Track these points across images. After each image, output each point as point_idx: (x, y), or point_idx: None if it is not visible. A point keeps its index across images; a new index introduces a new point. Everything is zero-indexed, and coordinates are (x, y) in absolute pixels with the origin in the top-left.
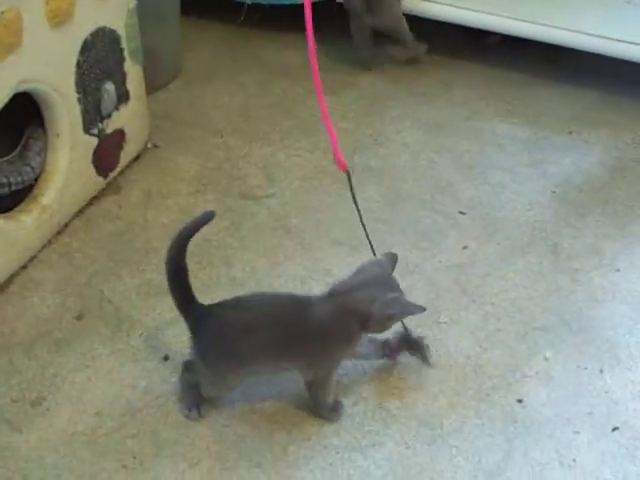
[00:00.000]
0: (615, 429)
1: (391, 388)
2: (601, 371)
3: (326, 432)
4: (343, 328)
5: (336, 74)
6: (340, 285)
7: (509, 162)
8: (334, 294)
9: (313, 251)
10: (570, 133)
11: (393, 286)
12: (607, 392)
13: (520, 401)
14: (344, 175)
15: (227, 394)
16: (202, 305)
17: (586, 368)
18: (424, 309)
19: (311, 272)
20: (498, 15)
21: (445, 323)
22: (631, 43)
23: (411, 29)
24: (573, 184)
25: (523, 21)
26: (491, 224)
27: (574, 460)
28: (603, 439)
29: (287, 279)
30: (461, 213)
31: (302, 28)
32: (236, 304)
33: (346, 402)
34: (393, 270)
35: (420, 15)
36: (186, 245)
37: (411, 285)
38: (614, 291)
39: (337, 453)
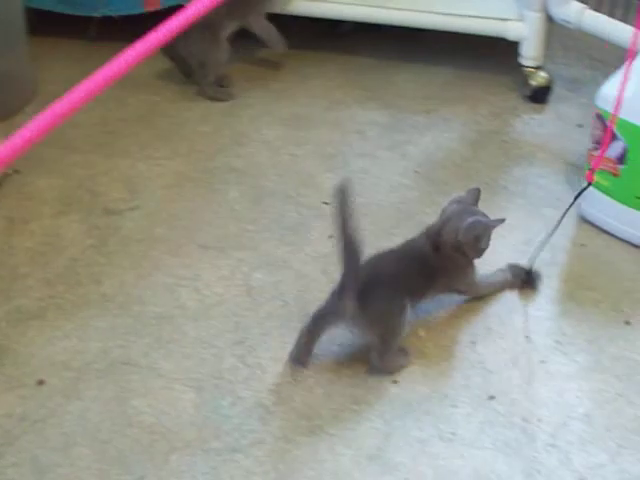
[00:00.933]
0: (491, 398)
1: (267, 385)
2: (473, 343)
3: (206, 436)
4: (452, 263)
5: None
6: (430, 228)
7: (370, 148)
8: (430, 235)
9: (181, 258)
10: (428, 112)
11: (472, 212)
12: (481, 363)
13: (396, 382)
14: (205, 179)
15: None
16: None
17: (459, 342)
18: (503, 220)
19: (180, 279)
20: (348, 4)
21: None
22: (477, 17)
23: None
24: (435, 162)
25: (372, 7)
26: (356, 210)
27: (453, 433)
28: (480, 409)
29: (156, 290)
30: (325, 203)
31: None
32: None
33: (223, 404)
34: (477, 202)
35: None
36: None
37: (280, 280)
38: (481, 265)
39: (218, 456)
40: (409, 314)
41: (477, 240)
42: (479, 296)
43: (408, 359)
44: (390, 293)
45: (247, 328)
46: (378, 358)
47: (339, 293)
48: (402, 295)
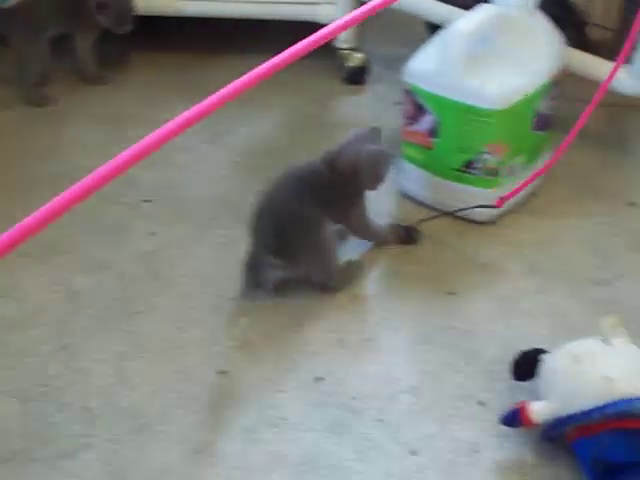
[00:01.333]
0: (318, 380)
1: (93, 388)
2: (300, 325)
3: (33, 446)
4: (345, 191)
5: None
6: (328, 151)
7: (190, 142)
8: (326, 158)
9: None
10: (246, 101)
11: (374, 141)
12: (306, 345)
13: (222, 372)
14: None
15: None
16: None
17: (283, 327)
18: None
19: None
20: None
21: (140, 312)
22: (287, 3)
23: None
24: (255, 150)
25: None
26: (177, 206)
27: (282, 418)
28: (308, 392)
29: None
30: (146, 201)
31: None
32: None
33: (49, 411)
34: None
35: None
36: None
37: (101, 282)
38: None
39: (45, 464)
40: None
41: (376, 167)
42: (367, 239)
43: (360, 268)
44: (301, 220)
45: (71, 333)
46: (325, 285)
47: (254, 244)
48: (314, 215)
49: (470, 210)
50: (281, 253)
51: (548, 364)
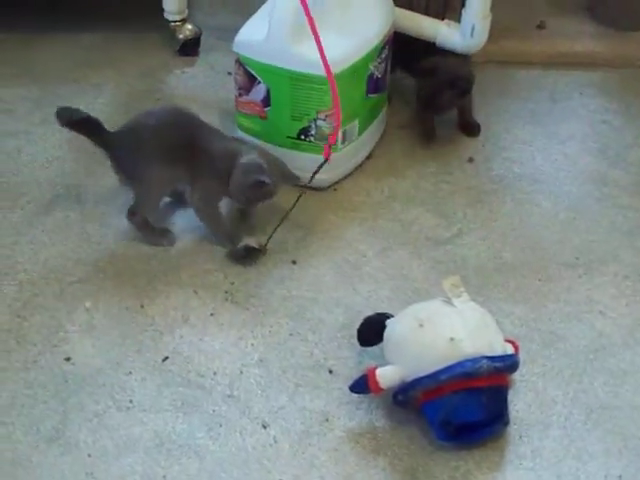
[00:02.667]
0: (165, 359)
1: None
2: (142, 306)
3: None
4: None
5: None
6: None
7: (22, 125)
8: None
9: None
10: (77, 80)
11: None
12: (151, 325)
13: (68, 359)
14: None
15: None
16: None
17: (127, 308)
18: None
19: None
20: None
21: None
22: None
23: None
24: None
25: None
26: (12, 191)
27: (131, 401)
28: (156, 372)
29: None
30: None
31: None
32: (134, 120)
33: None
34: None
35: None
36: None
37: None
38: None
39: None
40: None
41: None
42: (203, 222)
43: (169, 240)
44: (144, 159)
45: None
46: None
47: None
48: (156, 163)
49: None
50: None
51: (393, 329)
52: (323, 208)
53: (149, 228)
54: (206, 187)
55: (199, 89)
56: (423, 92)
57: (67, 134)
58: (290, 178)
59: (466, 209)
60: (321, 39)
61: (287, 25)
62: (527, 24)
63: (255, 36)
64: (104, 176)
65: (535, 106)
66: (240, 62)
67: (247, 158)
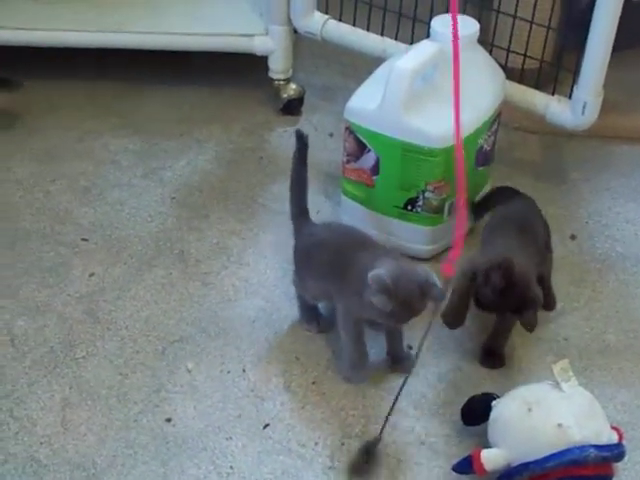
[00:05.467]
0: (266, 426)
1: (38, 437)
2: (244, 370)
3: None
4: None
5: None
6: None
7: (125, 177)
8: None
9: None
10: (181, 135)
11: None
12: (253, 390)
13: (169, 420)
14: None
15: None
16: (309, 221)
17: (229, 371)
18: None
19: None
20: (77, 30)
21: (82, 357)
22: (223, 35)
23: None
24: (191, 186)
25: (107, 32)
26: (115, 245)
27: (231, 467)
28: (256, 439)
29: None
30: (84, 240)
31: None
32: (326, 228)
33: None
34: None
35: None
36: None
37: (43, 326)
38: (246, 287)
39: None
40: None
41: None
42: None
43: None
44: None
45: (14, 380)
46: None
47: None
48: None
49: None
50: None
51: (500, 411)
52: None
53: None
54: (346, 304)
55: None
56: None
57: (169, 188)
58: (429, 292)
59: (569, 287)
60: (434, 112)
61: (402, 95)
62: (630, 99)
63: (367, 104)
64: (206, 234)
65: (638, 183)
66: (350, 129)
67: (375, 272)
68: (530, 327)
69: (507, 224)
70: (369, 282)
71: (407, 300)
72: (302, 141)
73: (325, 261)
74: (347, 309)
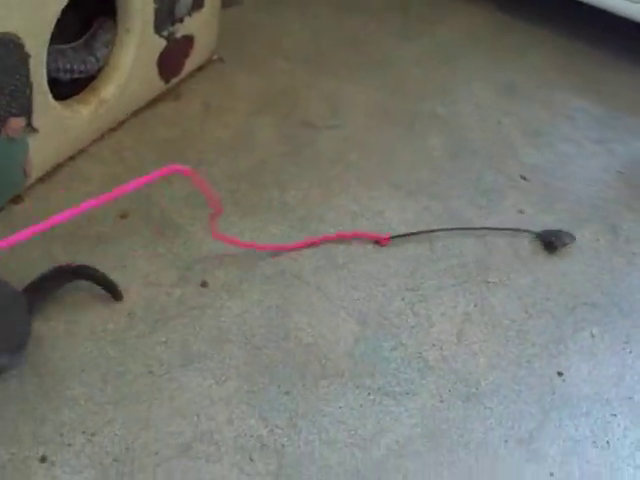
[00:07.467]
0: None
1: (432, 339)
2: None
3: (361, 372)
4: None
5: (410, 20)
6: None
7: (577, 135)
8: None
9: (370, 190)
10: None
11: None
12: None
13: (560, 374)
14: (408, 119)
15: None
16: None
17: (631, 351)
18: None
19: (364, 210)
20: None
21: (493, 283)
22: None
23: None
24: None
25: None
26: (551, 193)
27: (608, 442)
28: None
29: (339, 213)
30: (523, 178)
31: None
32: None
33: (384, 345)
34: None
35: None
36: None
37: (461, 242)
38: None
39: (369, 395)
40: None
41: None
42: None
43: None
44: None
45: (423, 277)
46: None
47: None
48: None
49: None
50: None
51: None
52: None
53: None
54: None
55: None
56: None
57: (618, 161)
58: None
59: None
60: None
61: None
62: None
63: None
64: None
65: None
66: None
67: None
68: None
69: None
70: None
71: None
72: None
73: None
74: None
